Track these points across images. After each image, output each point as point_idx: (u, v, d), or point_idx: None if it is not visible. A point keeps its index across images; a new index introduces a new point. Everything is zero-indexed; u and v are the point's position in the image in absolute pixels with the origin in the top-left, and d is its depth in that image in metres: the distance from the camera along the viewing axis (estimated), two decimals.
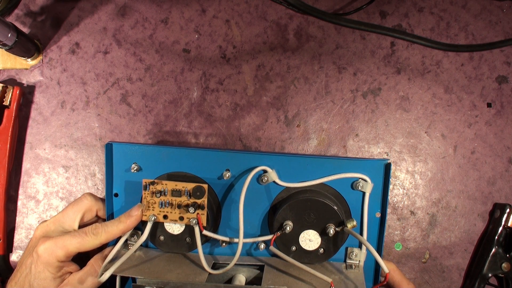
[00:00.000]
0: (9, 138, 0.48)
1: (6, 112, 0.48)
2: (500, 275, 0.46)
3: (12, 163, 0.50)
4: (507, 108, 0.49)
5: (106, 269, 0.40)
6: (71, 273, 0.41)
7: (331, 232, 0.40)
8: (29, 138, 0.51)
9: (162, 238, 0.43)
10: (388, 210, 0.49)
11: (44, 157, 0.51)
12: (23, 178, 0.51)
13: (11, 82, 0.51)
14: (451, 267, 0.49)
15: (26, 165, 0.51)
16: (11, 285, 0.41)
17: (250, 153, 0.42)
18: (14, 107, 0.48)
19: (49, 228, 0.42)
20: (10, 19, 0.51)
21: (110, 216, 0.44)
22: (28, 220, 0.50)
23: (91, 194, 0.44)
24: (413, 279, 0.49)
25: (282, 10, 0.50)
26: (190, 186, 0.41)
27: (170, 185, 0.41)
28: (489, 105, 0.49)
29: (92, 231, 0.40)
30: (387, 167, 0.41)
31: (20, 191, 0.51)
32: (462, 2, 0.49)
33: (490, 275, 0.46)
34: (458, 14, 0.49)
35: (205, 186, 0.41)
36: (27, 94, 0.51)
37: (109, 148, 0.43)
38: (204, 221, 0.41)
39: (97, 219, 0.45)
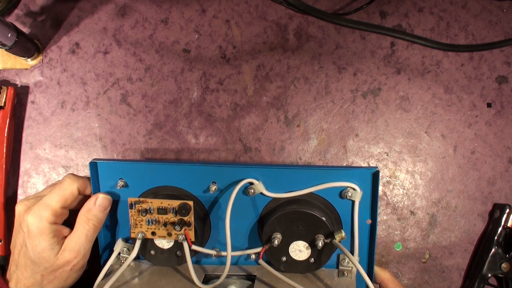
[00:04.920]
0: (5, 138, 0.48)
1: (1, 112, 0.48)
2: (500, 275, 0.47)
3: (10, 163, 0.50)
4: (507, 108, 0.49)
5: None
6: (65, 237, 0.41)
7: (320, 244, 0.40)
8: (29, 138, 0.51)
9: (152, 252, 0.43)
10: (388, 210, 0.49)
11: (44, 157, 0.51)
12: (23, 178, 0.51)
13: (5, 82, 0.51)
14: (451, 267, 0.49)
15: (26, 165, 0.51)
16: (12, 270, 0.41)
17: (235, 166, 0.42)
18: (9, 107, 0.48)
19: (31, 204, 0.41)
20: (10, 19, 0.51)
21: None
22: None
23: (71, 177, 0.42)
24: (413, 279, 0.49)
25: (282, 10, 0.50)
26: (175, 203, 0.40)
27: (156, 203, 0.41)
28: (489, 105, 0.49)
29: (65, 179, 0.41)
30: (375, 175, 0.41)
31: (20, 191, 0.51)
32: (462, 2, 0.49)
33: (489, 275, 0.46)
34: (458, 14, 0.49)
35: (190, 203, 0.40)
36: (26, 94, 0.51)
37: (93, 166, 0.42)
38: (192, 237, 0.41)
39: (83, 197, 0.44)
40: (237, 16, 0.50)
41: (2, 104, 0.48)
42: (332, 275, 0.43)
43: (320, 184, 0.41)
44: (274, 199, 0.42)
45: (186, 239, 0.41)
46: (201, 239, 0.42)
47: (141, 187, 0.43)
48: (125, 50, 0.50)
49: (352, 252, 0.42)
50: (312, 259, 0.41)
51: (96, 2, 0.51)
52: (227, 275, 0.41)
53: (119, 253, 0.44)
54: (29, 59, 0.50)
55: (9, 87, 0.49)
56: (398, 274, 0.49)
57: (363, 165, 0.49)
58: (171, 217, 0.41)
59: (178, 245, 0.42)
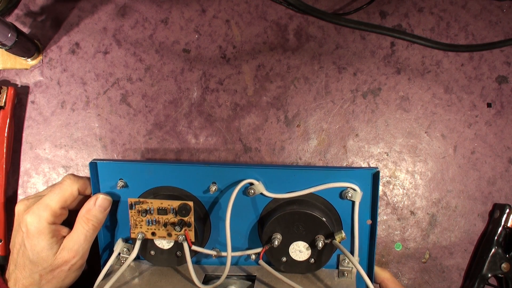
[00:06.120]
0: (5, 138, 0.48)
1: (1, 112, 0.48)
2: (500, 275, 0.47)
3: (10, 163, 0.50)
4: (507, 108, 0.49)
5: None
6: (64, 237, 0.41)
7: (320, 245, 0.40)
8: (29, 138, 0.51)
9: (152, 252, 0.43)
10: (388, 210, 0.49)
11: (44, 157, 0.51)
12: (23, 178, 0.51)
13: (5, 82, 0.51)
14: (451, 267, 0.49)
15: (26, 165, 0.51)
16: (11, 269, 0.41)
17: (235, 166, 0.42)
18: (9, 107, 0.48)
19: (30, 203, 0.41)
20: (10, 19, 0.51)
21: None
22: None
23: (71, 177, 0.42)
24: (413, 279, 0.49)
25: (282, 10, 0.50)
26: (175, 204, 0.40)
27: (156, 203, 0.41)
28: (489, 105, 0.49)
29: (66, 179, 0.41)
30: (375, 176, 0.41)
31: (20, 191, 0.51)
32: (462, 2, 0.49)
33: (489, 275, 0.46)
34: (458, 14, 0.49)
35: (191, 203, 0.40)
36: (26, 94, 0.51)
37: (93, 167, 0.42)
38: (192, 237, 0.41)
39: (82, 198, 0.44)
40: (237, 16, 0.50)
41: (2, 104, 0.48)
42: (332, 276, 0.43)
43: (320, 185, 0.41)
44: (274, 199, 0.42)
45: (186, 239, 0.41)
46: (201, 240, 0.42)
47: (141, 187, 0.43)
48: (125, 50, 0.50)
49: (352, 253, 0.42)
50: (312, 259, 0.41)
51: (96, 2, 0.51)
52: (227, 275, 0.41)
53: (119, 253, 0.44)
54: (29, 59, 0.50)
55: (9, 87, 0.49)
56: (398, 274, 0.49)
57: (363, 165, 0.49)
58: (171, 218, 0.41)
59: (178, 246, 0.42)
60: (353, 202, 0.41)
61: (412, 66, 0.49)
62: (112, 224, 0.44)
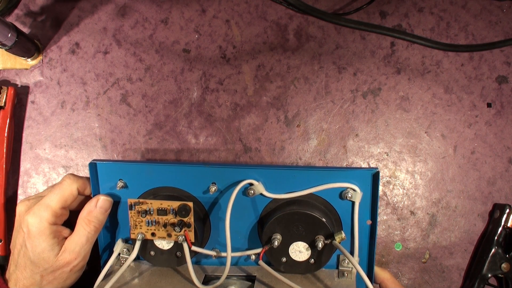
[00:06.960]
0: (5, 138, 0.48)
1: (1, 112, 0.48)
2: (500, 275, 0.47)
3: (10, 163, 0.50)
4: (507, 108, 0.49)
5: None
6: (65, 238, 0.41)
7: (320, 245, 0.40)
8: (29, 138, 0.51)
9: (152, 253, 0.43)
10: (388, 210, 0.49)
11: (44, 157, 0.51)
12: (23, 178, 0.51)
13: (5, 82, 0.51)
14: (451, 267, 0.49)
15: (26, 165, 0.51)
16: (11, 270, 0.41)
17: (235, 167, 0.42)
18: (9, 107, 0.48)
19: (31, 204, 0.41)
20: (10, 19, 0.51)
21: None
22: None
23: (70, 177, 0.42)
24: (413, 279, 0.49)
25: (282, 10, 0.50)
26: (175, 204, 0.40)
27: (155, 204, 0.41)
28: (489, 105, 0.49)
29: (65, 179, 0.41)
30: (375, 176, 0.41)
31: (20, 191, 0.51)
32: (462, 2, 0.49)
33: (489, 275, 0.46)
34: (458, 14, 0.49)
35: (190, 204, 0.40)
36: (26, 94, 0.51)
37: (93, 167, 0.42)
38: (192, 238, 0.41)
39: (83, 198, 0.44)
40: (237, 16, 0.50)
41: (2, 104, 0.48)
42: (332, 276, 0.43)
43: (320, 185, 0.41)
44: (274, 200, 0.42)
45: (186, 240, 0.41)
46: (201, 240, 0.42)
47: (140, 188, 0.43)
48: (125, 50, 0.50)
49: (352, 253, 0.42)
50: (312, 260, 0.41)
51: (96, 2, 0.51)
52: (227, 275, 0.41)
53: (119, 254, 0.44)
54: (29, 59, 0.50)
55: (9, 87, 0.49)
56: (398, 274, 0.49)
57: (363, 165, 0.49)
58: (171, 218, 0.41)
59: (178, 246, 0.42)
60: (353, 203, 0.41)
61: (412, 66, 0.49)
62: (112, 224, 0.45)
